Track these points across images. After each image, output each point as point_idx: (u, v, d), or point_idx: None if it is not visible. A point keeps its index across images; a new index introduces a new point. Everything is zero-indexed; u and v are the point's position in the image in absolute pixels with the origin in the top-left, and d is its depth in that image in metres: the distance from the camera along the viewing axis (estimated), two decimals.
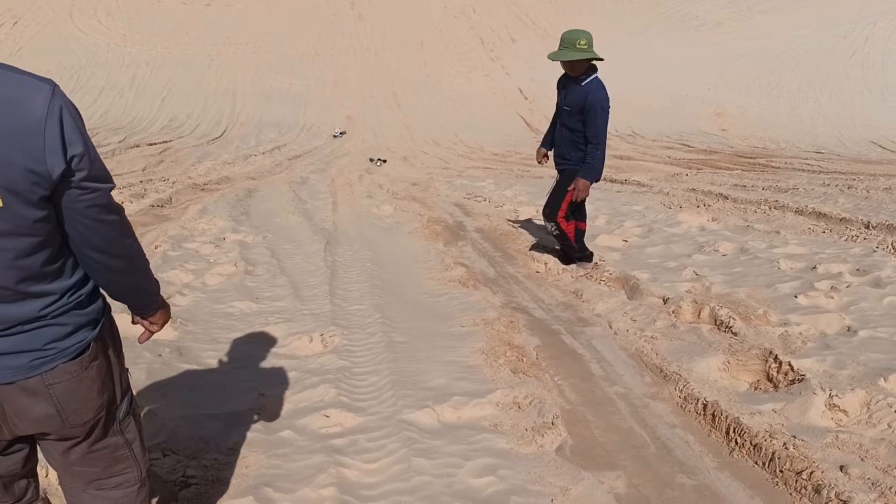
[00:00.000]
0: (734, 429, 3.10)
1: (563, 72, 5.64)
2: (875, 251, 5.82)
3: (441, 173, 14.36)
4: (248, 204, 9.22)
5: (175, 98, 23.35)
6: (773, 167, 15.16)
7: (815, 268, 5.41)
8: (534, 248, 6.59)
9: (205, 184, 11.45)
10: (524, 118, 25.02)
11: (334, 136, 23.14)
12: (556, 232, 5.78)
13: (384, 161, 18.70)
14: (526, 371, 3.77)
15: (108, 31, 26.94)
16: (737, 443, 3.04)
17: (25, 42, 26.00)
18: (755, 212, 7.77)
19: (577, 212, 5.85)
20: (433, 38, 28.88)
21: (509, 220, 7.95)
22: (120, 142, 17.97)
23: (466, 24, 30.09)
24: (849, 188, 9.66)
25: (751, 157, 17.28)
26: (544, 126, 26.72)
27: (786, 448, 2.88)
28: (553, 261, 6.04)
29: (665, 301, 4.83)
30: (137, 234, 7.01)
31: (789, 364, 3.62)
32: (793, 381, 3.53)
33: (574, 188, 5.52)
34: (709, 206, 8.21)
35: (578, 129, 5.48)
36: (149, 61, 25.40)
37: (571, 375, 3.80)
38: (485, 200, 9.51)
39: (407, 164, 16.86)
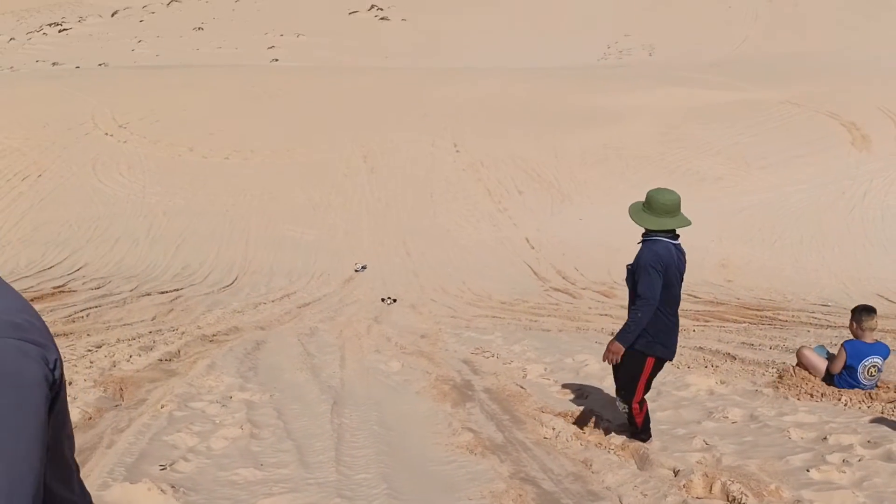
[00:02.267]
0: None
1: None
2: (885, 420, 5.77)
3: (449, 322, 14.45)
4: (257, 358, 9.26)
5: (189, 246, 23.93)
6: (780, 320, 15.20)
7: (825, 438, 5.35)
8: (542, 410, 6.55)
9: (214, 334, 11.54)
10: (531, 267, 25.40)
11: (356, 271, 23.60)
12: (626, 412, 5.56)
13: (394, 300, 19.00)
14: None
15: (128, 184, 28.05)
16: None
17: (48, 193, 27.03)
18: (763, 374, 7.75)
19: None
20: (442, 190, 29.86)
21: (517, 380, 7.94)
22: (132, 290, 18.26)
23: (474, 176, 31.19)
24: None
25: (758, 310, 17.36)
26: (551, 275, 27.16)
27: None
28: (562, 425, 6.00)
29: (676, 473, 4.76)
30: (144, 391, 7.01)
31: None
32: None
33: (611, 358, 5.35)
34: (717, 366, 8.21)
35: (634, 290, 5.35)
36: (166, 211, 26.24)
37: None
38: (493, 356, 9.53)
39: (415, 312, 16.99)
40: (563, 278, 24.41)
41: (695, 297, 19.86)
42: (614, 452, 5.33)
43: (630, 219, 5.40)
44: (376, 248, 26.43)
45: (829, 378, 7.15)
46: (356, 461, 5.05)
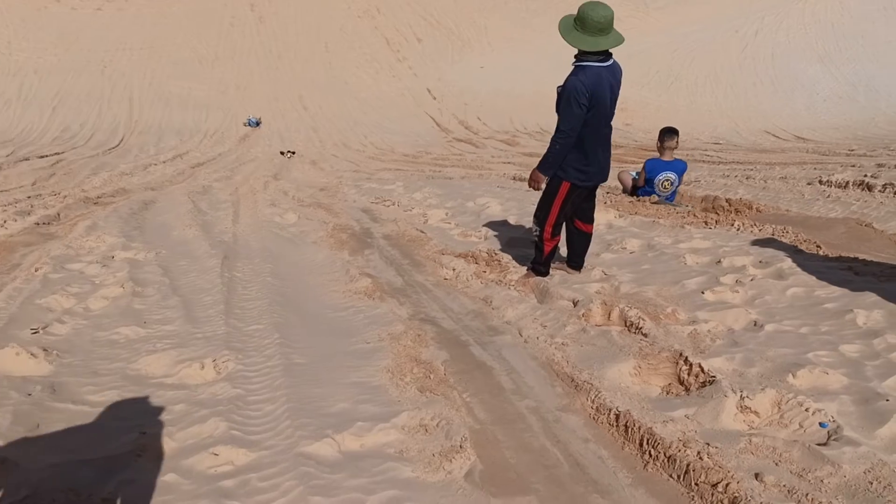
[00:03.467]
0: (648, 440, 2.99)
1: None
2: (774, 241, 5.90)
3: (351, 177, 14.08)
4: (143, 217, 8.72)
5: (67, 107, 22.19)
6: None
7: (719, 262, 5.43)
8: (442, 253, 6.42)
9: (98, 197, 10.82)
10: (434, 118, 24.91)
11: (251, 126, 22.76)
12: (536, 236, 5.39)
13: (293, 153, 18.51)
14: (433, 389, 3.58)
15: None
16: (651, 455, 2.92)
17: None
18: (659, 206, 7.82)
19: (584, 213, 5.43)
20: (337, 40, 28.44)
21: (417, 225, 7.76)
22: (8, 155, 16.91)
23: (371, 24, 29.77)
24: (747, 178, 9.91)
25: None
26: (454, 125, 26.80)
27: (700, 458, 2.79)
28: (462, 265, 5.89)
29: (575, 304, 4.73)
30: (18, 256, 6.44)
31: (699, 366, 3.55)
32: (704, 384, 3.46)
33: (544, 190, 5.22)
34: (615, 202, 8.23)
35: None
36: (37, 69, 24.09)
37: (481, 391, 3.63)
38: (393, 204, 9.30)
39: (316, 168, 16.48)
40: (466, 128, 24.11)
41: None
42: (514, 289, 5.27)
43: (561, 38, 4.92)
44: (271, 103, 25.26)
45: (635, 191, 8.43)
46: (247, 313, 4.80)
